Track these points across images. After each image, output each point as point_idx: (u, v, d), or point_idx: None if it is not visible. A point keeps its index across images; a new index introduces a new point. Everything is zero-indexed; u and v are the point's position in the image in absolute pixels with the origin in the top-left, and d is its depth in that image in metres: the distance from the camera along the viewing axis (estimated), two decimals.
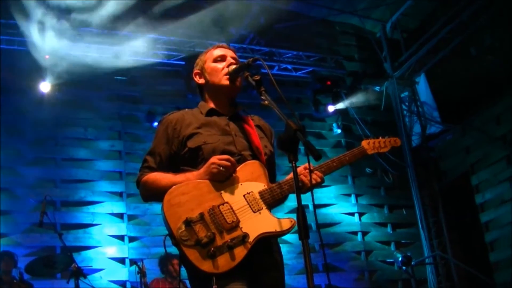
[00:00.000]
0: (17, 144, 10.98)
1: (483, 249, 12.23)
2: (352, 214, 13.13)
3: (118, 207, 11.33)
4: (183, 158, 4.17)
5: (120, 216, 11.30)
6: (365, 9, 13.55)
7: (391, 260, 12.80)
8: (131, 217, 11.34)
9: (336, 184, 13.15)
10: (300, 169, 4.02)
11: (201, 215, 3.82)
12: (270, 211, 3.98)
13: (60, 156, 11.36)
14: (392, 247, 13.12)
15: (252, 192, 3.98)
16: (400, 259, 11.50)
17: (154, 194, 4.08)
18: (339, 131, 13.64)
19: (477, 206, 12.45)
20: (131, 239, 11.18)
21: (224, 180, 3.98)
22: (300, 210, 3.36)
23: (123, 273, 10.87)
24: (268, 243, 4.01)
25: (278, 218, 3.95)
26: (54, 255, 9.82)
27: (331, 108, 13.38)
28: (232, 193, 3.96)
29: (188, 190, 3.92)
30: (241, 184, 4.00)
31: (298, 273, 11.59)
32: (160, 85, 12.55)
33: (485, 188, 12.31)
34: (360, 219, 13.11)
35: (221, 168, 3.91)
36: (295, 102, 13.81)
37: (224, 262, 3.72)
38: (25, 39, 10.86)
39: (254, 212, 3.93)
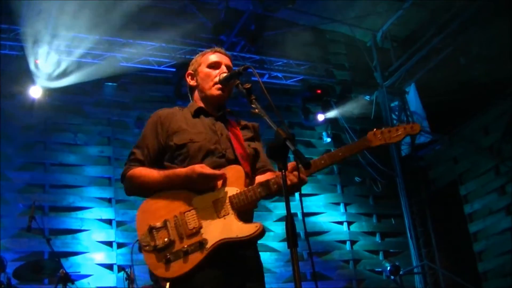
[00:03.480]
0: (6, 148, 10.92)
1: (472, 259, 12.25)
2: (340, 223, 13.13)
3: (107, 213, 11.30)
4: (168, 154, 4.19)
5: (108, 222, 11.26)
6: (356, 18, 13.59)
7: (380, 269, 12.81)
8: (119, 223, 11.30)
9: (325, 193, 13.16)
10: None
11: (165, 222, 3.91)
12: (237, 215, 3.89)
13: (49, 161, 11.32)
14: (381, 256, 13.13)
15: (222, 197, 3.94)
16: (388, 268, 11.53)
17: (138, 190, 4.16)
18: (328, 139, 13.66)
19: (465, 216, 12.48)
20: (120, 245, 11.14)
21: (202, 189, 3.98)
22: (289, 218, 3.36)
23: (111, 279, 10.83)
24: (240, 250, 3.95)
25: (244, 224, 3.87)
26: (42, 261, 9.76)
27: (321, 117, 13.39)
28: (202, 199, 3.96)
29: (162, 199, 4.00)
30: (215, 190, 3.98)
31: (286, 281, 11.59)
32: (150, 92, 12.57)
33: (473, 198, 12.35)
34: (348, 228, 13.12)
35: (200, 183, 3.93)
36: (285, 110, 13.83)
37: (177, 267, 3.79)
38: (16, 43, 10.86)
39: (219, 217, 3.89)
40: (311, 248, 4.05)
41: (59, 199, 11.08)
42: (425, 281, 12.96)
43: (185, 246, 3.82)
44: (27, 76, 10.91)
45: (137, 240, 3.99)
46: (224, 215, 3.89)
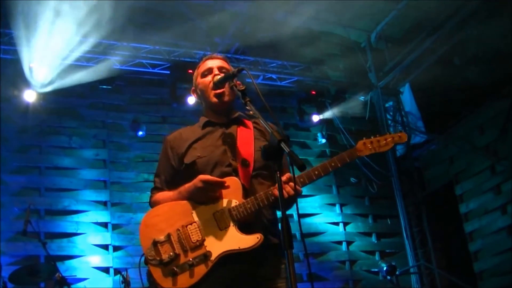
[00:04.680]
0: (1, 152, 10.91)
1: (467, 259, 12.26)
2: (336, 223, 13.12)
3: (102, 216, 11.28)
4: (182, 174, 4.30)
5: (104, 225, 11.25)
6: (350, 19, 13.57)
7: (376, 270, 12.78)
8: (115, 226, 11.29)
9: (321, 194, 13.15)
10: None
11: (168, 236, 4.05)
12: (237, 227, 4.01)
13: (44, 165, 11.29)
14: (377, 256, 13.13)
15: (222, 209, 4.05)
16: (384, 268, 11.51)
17: None
18: (323, 140, 13.65)
19: (461, 215, 12.48)
20: (116, 248, 11.13)
21: (205, 201, 4.08)
22: (284, 220, 3.38)
23: (107, 282, 10.81)
24: (258, 257, 4.04)
25: (245, 235, 3.97)
26: (38, 264, 9.77)
27: (315, 118, 13.41)
28: (202, 211, 4.08)
29: (163, 211, 4.18)
30: (214, 202, 4.08)
31: None
32: (145, 94, 12.56)
33: (469, 198, 12.35)
34: (344, 229, 13.11)
35: (205, 190, 4.04)
36: (280, 111, 13.82)
37: (183, 280, 3.94)
38: (10, 47, 10.84)
39: (221, 230, 4.01)
40: (306, 249, 4.12)
41: (54, 203, 11.06)
42: (421, 281, 12.97)
43: (190, 259, 3.96)
44: (22, 80, 10.89)
45: (143, 254, 4.11)
46: (225, 227, 4.01)
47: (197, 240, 3.99)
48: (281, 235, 3.40)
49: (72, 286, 9.16)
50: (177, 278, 3.94)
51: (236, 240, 3.96)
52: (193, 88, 4.65)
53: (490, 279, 11.70)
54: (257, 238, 3.94)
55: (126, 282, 8.67)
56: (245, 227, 4.02)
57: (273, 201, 4.00)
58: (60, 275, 8.57)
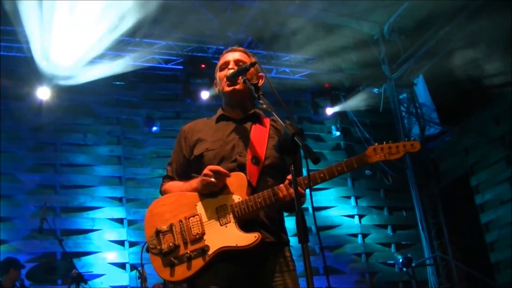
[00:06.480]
0: (16, 150, 10.99)
1: (484, 250, 12.22)
2: (352, 216, 13.13)
3: (118, 212, 11.34)
4: (192, 164, 4.31)
5: (120, 221, 11.30)
6: (363, 11, 13.52)
7: (392, 262, 12.76)
8: (131, 222, 11.34)
9: (336, 187, 13.13)
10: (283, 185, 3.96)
11: (171, 226, 4.07)
12: (238, 224, 3.97)
13: (59, 162, 11.36)
14: (393, 248, 13.12)
15: (225, 205, 4.02)
16: (400, 260, 11.50)
17: None
18: (338, 133, 13.66)
19: (477, 207, 12.44)
20: (131, 244, 11.19)
21: (212, 192, 4.05)
22: (299, 214, 3.37)
23: (124, 278, 10.86)
24: (258, 255, 4.02)
25: (244, 233, 3.94)
26: (54, 261, 9.84)
27: (329, 111, 13.40)
28: (206, 205, 4.06)
29: (169, 201, 4.20)
30: (218, 197, 4.05)
31: (298, 276, 11.57)
32: (159, 90, 12.61)
33: (484, 189, 12.31)
34: (360, 221, 13.12)
35: (211, 179, 3.99)
36: (294, 105, 13.83)
37: (180, 272, 3.96)
38: (23, 45, 10.86)
39: (221, 225, 3.99)
40: (322, 243, 4.09)
41: (70, 200, 11.13)
42: (437, 273, 12.95)
43: (189, 251, 3.96)
44: (36, 78, 10.93)
45: (146, 242, 4.15)
46: (225, 223, 3.99)
47: (197, 233, 3.98)
48: (296, 229, 3.39)
49: (89, 282, 9.21)
50: (174, 269, 3.96)
51: (234, 237, 3.94)
52: (215, 81, 4.58)
53: (506, 270, 11.64)
54: (255, 237, 3.91)
55: (142, 277, 8.69)
56: (246, 225, 3.98)
57: (276, 201, 3.94)
58: (77, 271, 8.63)
